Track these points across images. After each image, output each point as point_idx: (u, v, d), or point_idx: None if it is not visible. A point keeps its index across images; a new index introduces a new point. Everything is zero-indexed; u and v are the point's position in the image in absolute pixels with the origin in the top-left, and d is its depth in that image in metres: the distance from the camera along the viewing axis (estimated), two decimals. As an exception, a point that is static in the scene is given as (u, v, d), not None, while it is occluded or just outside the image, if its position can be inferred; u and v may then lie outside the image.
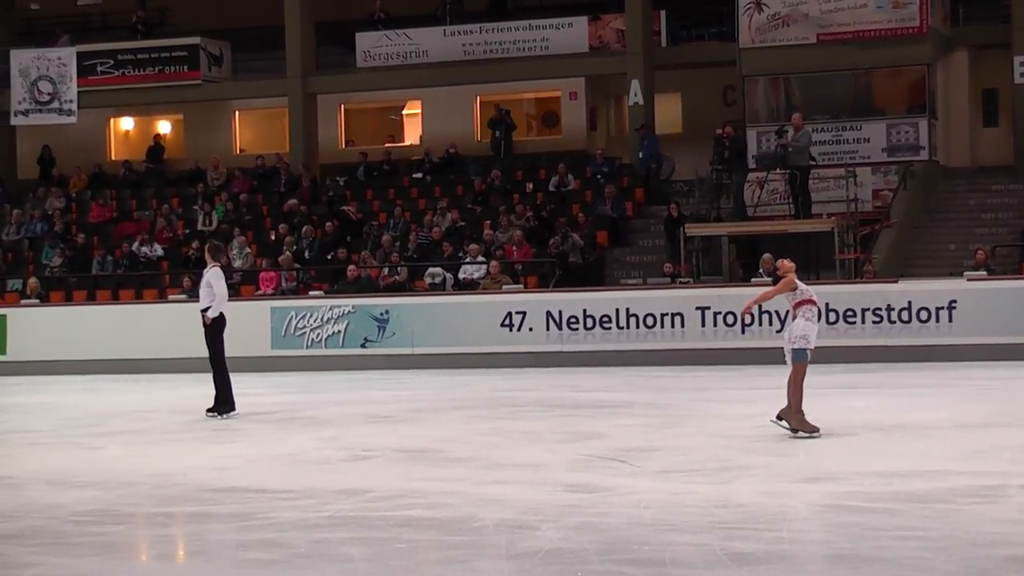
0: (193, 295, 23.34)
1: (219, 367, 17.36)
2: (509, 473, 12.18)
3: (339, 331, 24.70)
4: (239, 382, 17.79)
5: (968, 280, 22.89)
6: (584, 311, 23.66)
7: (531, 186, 32.42)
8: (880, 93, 31.73)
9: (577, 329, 23.68)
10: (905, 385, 19.05)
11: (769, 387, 15.90)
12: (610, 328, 23.50)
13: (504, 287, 25.57)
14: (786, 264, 13.86)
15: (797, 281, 13.77)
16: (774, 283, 14.06)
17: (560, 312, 23.76)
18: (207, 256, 17.85)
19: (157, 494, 11.62)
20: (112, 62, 36.22)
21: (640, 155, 32.09)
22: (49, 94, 33.87)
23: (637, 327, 23.40)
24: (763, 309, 22.14)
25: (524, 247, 28.65)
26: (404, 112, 38.45)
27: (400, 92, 36.88)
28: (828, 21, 30.57)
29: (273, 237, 31.44)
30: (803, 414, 13.54)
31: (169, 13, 39.31)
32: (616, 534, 9.29)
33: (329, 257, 29.84)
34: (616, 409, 17.15)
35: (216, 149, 37.36)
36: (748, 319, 22.49)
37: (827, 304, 21.62)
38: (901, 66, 31.00)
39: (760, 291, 14.82)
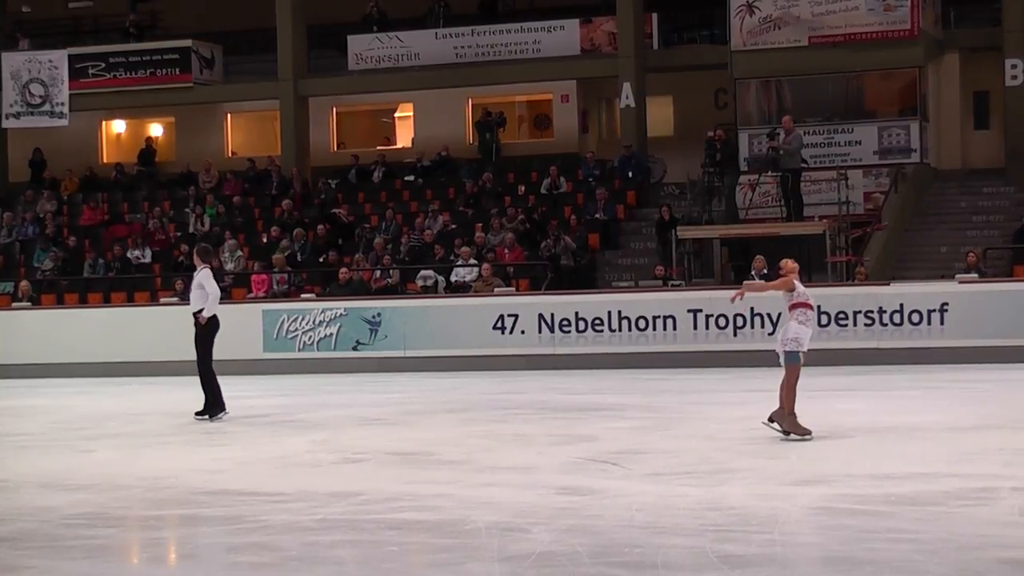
0: (185, 298, 23.29)
1: (205, 370, 17.29)
2: (501, 476, 12.16)
3: (331, 334, 24.68)
4: (230, 385, 17.76)
5: (959, 283, 22.92)
6: (576, 314, 23.67)
7: (523, 189, 32.42)
8: (871, 96, 31.75)
9: (569, 332, 23.68)
10: (897, 388, 19.06)
11: (761, 389, 15.91)
12: (602, 331, 23.50)
13: (496, 290, 25.57)
14: (789, 264, 13.84)
15: (797, 283, 13.74)
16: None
17: (552, 315, 23.76)
18: (196, 259, 17.81)
19: (149, 497, 11.62)
20: (104, 65, 36.18)
21: (629, 174, 32.01)
22: (40, 97, 33.81)
23: (629, 330, 23.40)
24: (755, 312, 22.18)
25: (516, 250, 28.64)
26: (396, 115, 38.44)
27: (392, 95, 36.88)
28: (819, 24, 30.58)
29: (265, 240, 31.41)
30: (795, 416, 13.54)
31: (160, 16, 39.29)
32: (608, 536, 9.29)
33: (321, 260, 29.82)
34: (608, 412, 17.14)
35: (208, 152, 37.33)
36: (740, 321, 22.52)
37: (819, 307, 21.53)
38: (892, 69, 31.01)
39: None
